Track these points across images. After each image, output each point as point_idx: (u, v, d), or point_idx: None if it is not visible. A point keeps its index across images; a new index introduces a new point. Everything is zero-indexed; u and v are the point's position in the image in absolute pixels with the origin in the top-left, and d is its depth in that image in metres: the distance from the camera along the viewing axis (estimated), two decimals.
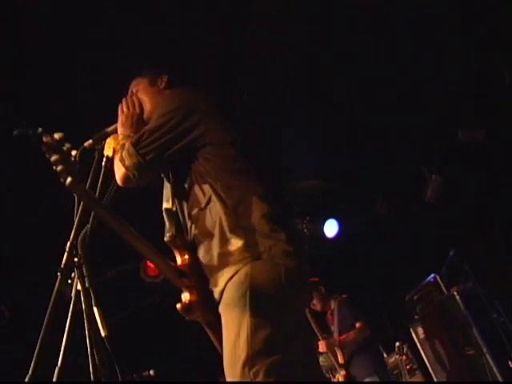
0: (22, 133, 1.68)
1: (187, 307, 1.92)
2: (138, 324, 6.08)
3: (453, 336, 5.09)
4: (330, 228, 6.66)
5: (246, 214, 1.93)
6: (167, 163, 2.07)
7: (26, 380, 1.72)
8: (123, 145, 2.05)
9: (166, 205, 2.16)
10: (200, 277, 1.97)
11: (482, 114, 5.65)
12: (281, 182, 5.80)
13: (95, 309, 1.86)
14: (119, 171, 2.03)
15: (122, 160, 2.00)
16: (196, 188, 2.02)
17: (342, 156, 5.92)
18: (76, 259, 1.91)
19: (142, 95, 2.31)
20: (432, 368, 5.29)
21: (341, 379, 4.54)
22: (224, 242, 1.90)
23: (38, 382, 1.73)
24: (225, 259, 1.88)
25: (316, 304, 4.98)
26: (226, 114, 2.17)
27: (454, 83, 5.18)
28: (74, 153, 1.73)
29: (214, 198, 1.96)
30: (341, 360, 4.61)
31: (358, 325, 4.70)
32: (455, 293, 5.06)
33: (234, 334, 1.79)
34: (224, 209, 1.93)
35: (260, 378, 1.71)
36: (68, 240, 1.93)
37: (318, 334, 4.62)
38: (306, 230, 6.43)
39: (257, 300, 1.80)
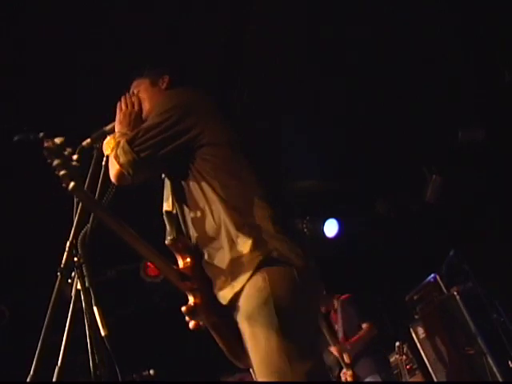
0: (23, 138, 1.68)
1: (192, 310, 1.92)
2: (138, 324, 6.07)
3: (453, 336, 5.09)
4: (330, 228, 6.66)
5: (249, 213, 1.91)
6: (162, 162, 2.04)
7: (28, 380, 1.72)
8: (119, 142, 2.02)
9: (165, 206, 2.15)
10: (203, 279, 1.96)
11: (482, 114, 5.65)
12: (281, 182, 5.79)
13: (95, 308, 1.86)
14: (113, 168, 2.00)
15: (116, 157, 1.97)
16: (196, 188, 1.99)
17: (342, 156, 5.92)
18: (76, 259, 1.91)
19: (143, 95, 2.30)
20: (432, 368, 5.30)
21: (349, 379, 4.53)
22: (231, 241, 1.89)
23: (38, 382, 1.73)
24: (237, 260, 1.86)
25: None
26: (226, 114, 2.15)
27: (453, 83, 5.18)
28: (75, 157, 1.71)
29: (214, 198, 1.94)
30: (347, 359, 4.60)
31: (365, 325, 4.70)
32: (455, 293, 5.06)
33: (265, 344, 1.77)
34: (225, 208, 1.92)
35: None
36: (68, 240, 1.93)
37: (328, 337, 4.58)
38: (306, 230, 6.43)
39: (281, 306, 1.79)
